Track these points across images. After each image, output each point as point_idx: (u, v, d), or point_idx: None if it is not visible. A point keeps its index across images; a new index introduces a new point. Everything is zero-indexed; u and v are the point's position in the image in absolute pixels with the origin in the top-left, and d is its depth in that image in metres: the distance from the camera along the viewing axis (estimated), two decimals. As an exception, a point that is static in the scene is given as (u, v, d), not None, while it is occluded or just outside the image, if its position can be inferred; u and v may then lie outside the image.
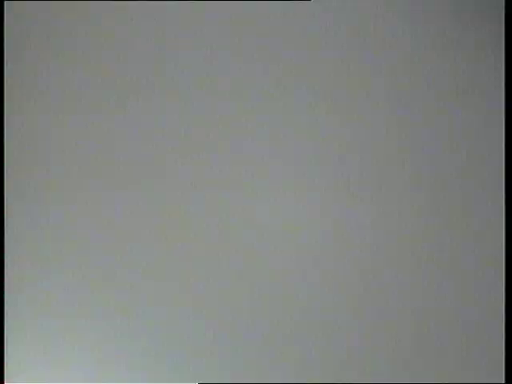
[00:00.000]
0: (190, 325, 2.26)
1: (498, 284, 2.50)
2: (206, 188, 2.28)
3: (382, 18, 2.42)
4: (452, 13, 2.48)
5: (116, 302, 2.23)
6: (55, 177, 2.20)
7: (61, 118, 2.21)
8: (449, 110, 2.48)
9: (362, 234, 2.39)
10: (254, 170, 2.30)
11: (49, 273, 2.19)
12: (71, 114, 2.21)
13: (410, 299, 2.42)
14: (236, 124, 2.31)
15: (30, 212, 2.18)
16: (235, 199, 2.29)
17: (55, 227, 2.20)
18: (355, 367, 2.38)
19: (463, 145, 2.49)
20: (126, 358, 2.23)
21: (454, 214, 2.48)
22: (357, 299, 2.39)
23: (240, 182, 2.29)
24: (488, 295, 2.49)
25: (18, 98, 2.19)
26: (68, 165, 2.21)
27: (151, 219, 2.24)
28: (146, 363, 2.24)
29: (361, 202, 2.40)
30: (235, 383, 2.29)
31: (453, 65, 2.48)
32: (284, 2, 2.34)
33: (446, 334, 2.45)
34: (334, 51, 2.38)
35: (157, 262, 2.25)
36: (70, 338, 2.20)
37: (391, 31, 2.43)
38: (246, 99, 2.32)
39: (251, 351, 2.30)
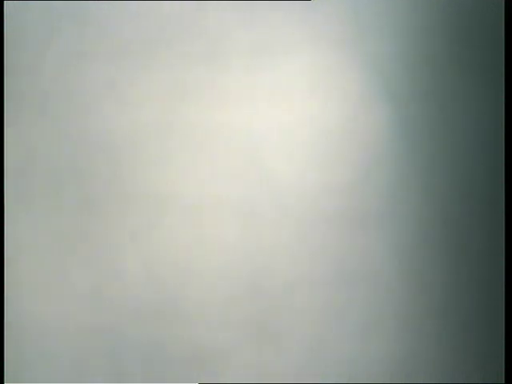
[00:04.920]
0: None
1: (498, 284, 2.50)
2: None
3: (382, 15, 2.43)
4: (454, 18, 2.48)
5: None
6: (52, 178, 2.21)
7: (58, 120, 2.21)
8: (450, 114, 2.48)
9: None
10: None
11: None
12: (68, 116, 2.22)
13: (410, 299, 2.42)
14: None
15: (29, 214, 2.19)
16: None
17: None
18: (352, 367, 2.38)
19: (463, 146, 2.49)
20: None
21: (452, 214, 2.48)
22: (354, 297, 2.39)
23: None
24: (488, 295, 2.49)
25: (16, 100, 2.20)
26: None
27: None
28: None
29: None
30: (232, 383, 2.29)
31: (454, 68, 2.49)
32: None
33: (446, 334, 2.45)
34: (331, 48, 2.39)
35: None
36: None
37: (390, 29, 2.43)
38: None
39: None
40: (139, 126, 2.26)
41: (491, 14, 2.50)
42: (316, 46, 2.37)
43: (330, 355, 2.35)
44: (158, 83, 2.27)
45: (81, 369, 2.20)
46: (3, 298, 2.13)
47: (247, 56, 2.32)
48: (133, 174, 2.24)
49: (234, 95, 2.31)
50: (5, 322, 2.15)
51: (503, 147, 2.50)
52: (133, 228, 2.24)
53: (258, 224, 2.31)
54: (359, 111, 2.39)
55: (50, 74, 2.21)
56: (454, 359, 2.44)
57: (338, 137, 2.37)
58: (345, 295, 2.36)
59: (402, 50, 2.42)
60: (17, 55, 2.19)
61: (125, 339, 2.22)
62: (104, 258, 2.22)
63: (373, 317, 2.39)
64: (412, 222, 2.42)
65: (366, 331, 2.38)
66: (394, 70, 2.42)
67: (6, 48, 2.19)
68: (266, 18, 2.34)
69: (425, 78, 2.44)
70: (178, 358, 2.25)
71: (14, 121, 2.19)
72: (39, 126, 2.20)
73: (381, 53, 2.41)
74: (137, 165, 2.25)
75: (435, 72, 2.45)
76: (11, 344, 2.16)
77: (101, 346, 2.21)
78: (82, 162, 2.22)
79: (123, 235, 2.23)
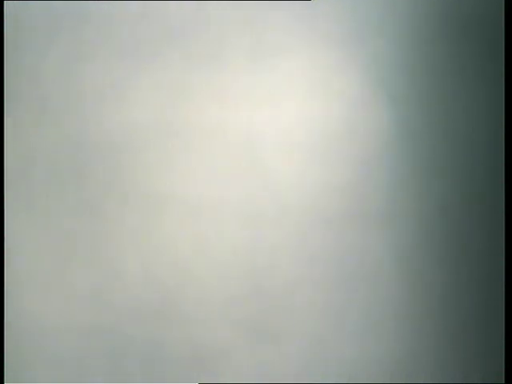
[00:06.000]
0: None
1: (498, 284, 2.50)
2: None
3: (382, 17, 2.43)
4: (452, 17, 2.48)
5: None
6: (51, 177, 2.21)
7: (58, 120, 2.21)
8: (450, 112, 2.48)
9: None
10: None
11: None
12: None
13: (410, 299, 2.42)
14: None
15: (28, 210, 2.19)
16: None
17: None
18: (350, 368, 2.39)
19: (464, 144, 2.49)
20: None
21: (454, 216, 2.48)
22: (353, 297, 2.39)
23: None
24: (488, 295, 2.49)
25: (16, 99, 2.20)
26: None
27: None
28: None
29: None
30: (232, 383, 2.29)
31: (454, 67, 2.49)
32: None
33: (446, 334, 2.45)
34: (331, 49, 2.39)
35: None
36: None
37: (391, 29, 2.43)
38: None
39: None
40: (139, 126, 2.25)
41: (491, 14, 2.50)
42: (316, 45, 2.37)
43: (330, 355, 2.35)
44: (158, 83, 2.27)
45: (81, 369, 2.20)
46: (3, 297, 2.13)
47: (247, 56, 2.32)
48: (133, 175, 2.24)
49: (233, 95, 2.31)
50: (5, 322, 2.16)
51: (503, 147, 2.50)
52: (133, 228, 2.24)
53: (258, 224, 2.31)
54: (359, 111, 2.39)
55: (49, 73, 2.21)
56: (454, 359, 2.44)
57: (338, 137, 2.37)
58: (345, 295, 2.36)
59: (401, 50, 2.42)
60: (17, 55, 2.19)
61: (125, 339, 2.22)
62: (104, 258, 2.22)
63: (373, 317, 2.39)
64: (412, 222, 2.42)
65: (366, 331, 2.38)
66: (393, 69, 2.42)
67: (6, 48, 2.19)
68: (266, 17, 2.34)
69: (425, 78, 2.44)
70: (177, 358, 2.25)
71: (14, 121, 2.19)
72: (39, 126, 2.20)
73: (381, 52, 2.41)
74: (137, 165, 2.25)
75: (435, 72, 2.45)
76: (11, 344, 2.16)
77: (101, 346, 2.21)
78: (82, 162, 2.22)
79: (123, 235, 2.23)
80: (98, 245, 2.22)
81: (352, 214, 2.37)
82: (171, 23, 2.28)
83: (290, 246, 2.33)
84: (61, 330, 2.19)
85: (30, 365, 2.17)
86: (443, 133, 2.45)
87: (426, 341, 2.42)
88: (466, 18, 2.48)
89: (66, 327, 2.19)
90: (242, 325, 2.29)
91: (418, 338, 2.42)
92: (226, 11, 2.32)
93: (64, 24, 2.22)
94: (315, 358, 2.34)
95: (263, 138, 2.32)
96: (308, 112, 2.35)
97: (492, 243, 2.48)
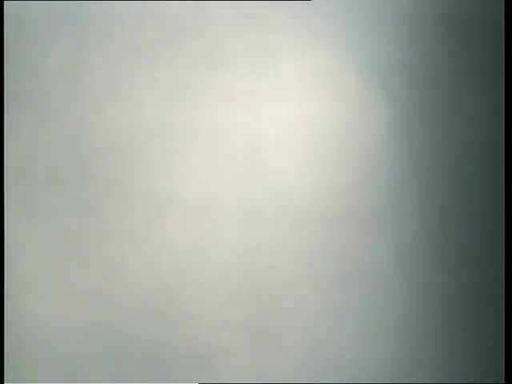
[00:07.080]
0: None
1: (498, 284, 2.50)
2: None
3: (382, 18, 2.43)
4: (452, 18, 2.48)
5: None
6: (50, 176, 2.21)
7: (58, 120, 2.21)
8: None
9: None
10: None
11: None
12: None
13: (410, 299, 2.42)
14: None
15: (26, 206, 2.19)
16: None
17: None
18: (350, 368, 2.39)
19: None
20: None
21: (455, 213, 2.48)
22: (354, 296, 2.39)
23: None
24: (488, 295, 2.49)
25: (17, 98, 2.20)
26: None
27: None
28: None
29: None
30: (232, 383, 2.29)
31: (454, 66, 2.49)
32: None
33: (446, 334, 2.45)
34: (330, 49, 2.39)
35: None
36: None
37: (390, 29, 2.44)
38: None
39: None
40: (139, 126, 2.25)
41: (491, 14, 2.50)
42: (316, 45, 2.37)
43: (330, 355, 2.35)
44: (158, 83, 2.27)
45: (81, 369, 2.20)
46: (3, 297, 2.13)
47: (247, 56, 2.32)
48: (133, 174, 2.24)
49: (233, 95, 2.31)
50: (5, 322, 2.15)
51: (503, 147, 2.50)
52: (133, 228, 2.24)
53: (258, 224, 2.31)
54: (359, 111, 2.39)
55: (50, 73, 2.21)
56: (454, 359, 2.44)
57: (338, 137, 2.37)
58: (345, 295, 2.36)
59: (401, 50, 2.42)
60: (17, 55, 2.19)
61: (125, 339, 2.22)
62: (104, 258, 2.22)
63: (373, 317, 2.39)
64: (412, 222, 2.42)
65: (366, 331, 2.38)
66: (393, 69, 2.42)
67: (6, 48, 2.19)
68: (266, 17, 2.34)
69: (425, 78, 2.44)
70: (178, 358, 2.25)
71: (14, 121, 2.19)
72: (39, 126, 2.20)
73: (381, 53, 2.41)
74: (137, 165, 2.25)
75: (435, 72, 2.45)
76: (11, 344, 2.16)
77: (101, 346, 2.21)
78: (82, 162, 2.22)
79: (123, 235, 2.23)
80: (98, 245, 2.22)
81: (352, 214, 2.37)
82: (171, 23, 2.28)
83: (290, 246, 2.33)
84: (61, 329, 2.19)
85: (29, 365, 2.17)
86: (443, 133, 2.45)
87: (426, 341, 2.42)
88: (465, 18, 2.48)
89: (65, 327, 2.19)
90: (242, 325, 2.29)
91: (417, 338, 2.42)
92: (226, 11, 2.32)
93: (64, 24, 2.22)
94: (315, 358, 2.34)
95: (263, 138, 2.32)
96: (308, 112, 2.35)
97: (492, 243, 2.48)
